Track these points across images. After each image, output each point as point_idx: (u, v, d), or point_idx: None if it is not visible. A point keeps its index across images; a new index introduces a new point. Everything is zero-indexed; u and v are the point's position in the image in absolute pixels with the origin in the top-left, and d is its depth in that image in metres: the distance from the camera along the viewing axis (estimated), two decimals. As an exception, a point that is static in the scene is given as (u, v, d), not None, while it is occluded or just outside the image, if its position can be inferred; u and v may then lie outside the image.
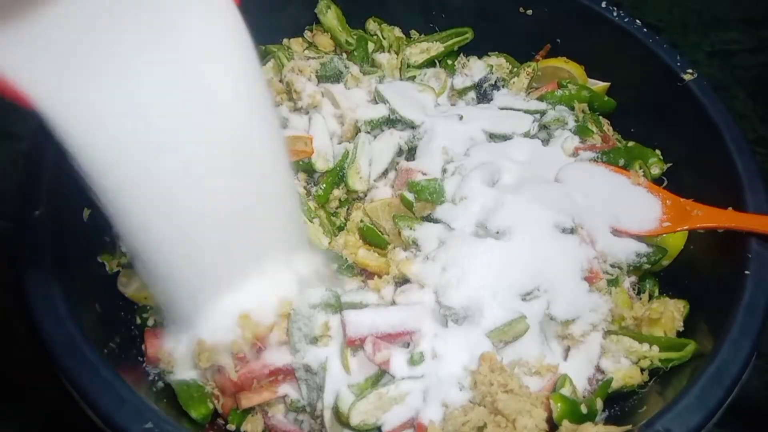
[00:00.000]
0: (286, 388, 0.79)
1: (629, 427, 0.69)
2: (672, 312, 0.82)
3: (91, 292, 0.79)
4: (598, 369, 0.81)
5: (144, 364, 0.79)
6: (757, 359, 0.70)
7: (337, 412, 0.74)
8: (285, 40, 1.09)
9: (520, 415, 0.71)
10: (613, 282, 0.85)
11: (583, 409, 0.73)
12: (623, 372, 0.79)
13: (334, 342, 0.78)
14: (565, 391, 0.75)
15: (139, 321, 0.83)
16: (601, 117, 1.04)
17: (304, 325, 0.77)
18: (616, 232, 0.87)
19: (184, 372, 0.78)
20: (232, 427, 0.77)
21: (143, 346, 0.80)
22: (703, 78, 0.93)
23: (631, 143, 1.00)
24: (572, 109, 1.01)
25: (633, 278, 0.91)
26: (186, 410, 0.73)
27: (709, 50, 1.22)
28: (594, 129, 1.00)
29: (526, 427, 0.71)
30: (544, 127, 1.00)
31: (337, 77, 1.00)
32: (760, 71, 1.27)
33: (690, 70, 0.93)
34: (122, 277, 0.84)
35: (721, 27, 1.35)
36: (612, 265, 0.85)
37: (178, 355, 0.78)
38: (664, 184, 0.95)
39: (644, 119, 1.01)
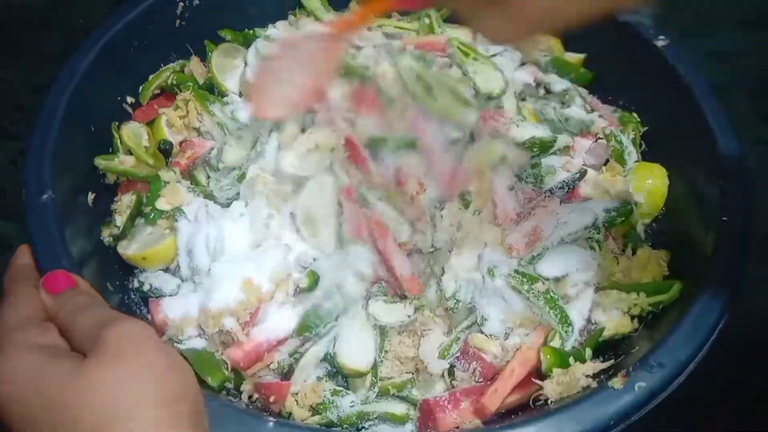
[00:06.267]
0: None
1: (614, 362, 0.73)
2: (657, 260, 0.85)
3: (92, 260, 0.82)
4: (590, 321, 0.82)
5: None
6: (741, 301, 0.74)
7: None
8: (270, 26, 1.10)
9: None
10: (595, 243, 0.87)
11: (571, 361, 0.76)
12: (615, 322, 0.81)
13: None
14: (555, 343, 0.78)
15: (137, 285, 0.85)
16: (580, 88, 1.07)
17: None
18: None
19: (192, 341, 0.79)
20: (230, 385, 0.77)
21: (149, 315, 0.82)
22: (674, 44, 0.97)
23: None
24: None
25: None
26: (203, 377, 0.71)
27: (708, 51, 1.20)
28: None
29: None
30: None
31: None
32: (760, 72, 1.26)
33: (662, 37, 0.97)
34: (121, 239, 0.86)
35: (721, 27, 1.34)
36: (589, 229, 0.86)
37: (184, 324, 0.79)
38: (643, 147, 0.99)
39: (621, 88, 1.05)
